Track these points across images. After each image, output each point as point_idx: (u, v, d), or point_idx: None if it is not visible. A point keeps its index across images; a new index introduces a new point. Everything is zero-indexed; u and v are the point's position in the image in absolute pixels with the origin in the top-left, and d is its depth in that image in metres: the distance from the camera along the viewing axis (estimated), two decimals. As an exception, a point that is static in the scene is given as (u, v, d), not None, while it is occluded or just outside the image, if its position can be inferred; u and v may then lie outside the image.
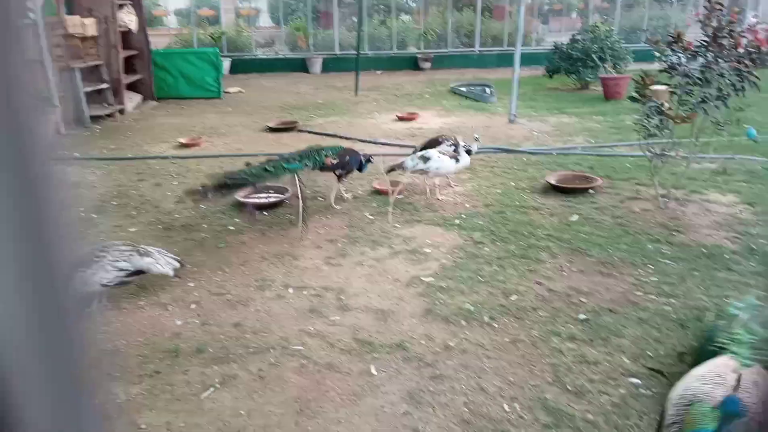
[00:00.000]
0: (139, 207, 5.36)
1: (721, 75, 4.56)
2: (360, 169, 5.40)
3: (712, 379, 2.08)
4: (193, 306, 3.60)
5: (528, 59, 13.81)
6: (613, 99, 9.91)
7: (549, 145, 7.36)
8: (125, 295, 3.67)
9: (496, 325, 3.35)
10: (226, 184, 4.63)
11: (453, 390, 2.79)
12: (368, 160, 5.45)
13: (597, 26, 11.44)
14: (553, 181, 5.63)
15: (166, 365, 3.02)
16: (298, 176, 4.92)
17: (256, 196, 5.33)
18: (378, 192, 5.57)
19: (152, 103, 10.62)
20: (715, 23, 4.38)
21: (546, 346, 3.12)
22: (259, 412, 2.66)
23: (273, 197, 5.35)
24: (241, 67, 14.55)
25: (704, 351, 2.50)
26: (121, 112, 9.55)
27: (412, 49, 15.99)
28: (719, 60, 4.40)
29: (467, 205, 5.28)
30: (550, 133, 8.10)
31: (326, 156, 5.16)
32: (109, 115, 9.23)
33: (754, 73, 4.45)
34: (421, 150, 5.62)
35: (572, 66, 11.10)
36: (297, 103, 10.70)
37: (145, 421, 2.65)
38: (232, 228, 4.85)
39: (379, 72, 14.77)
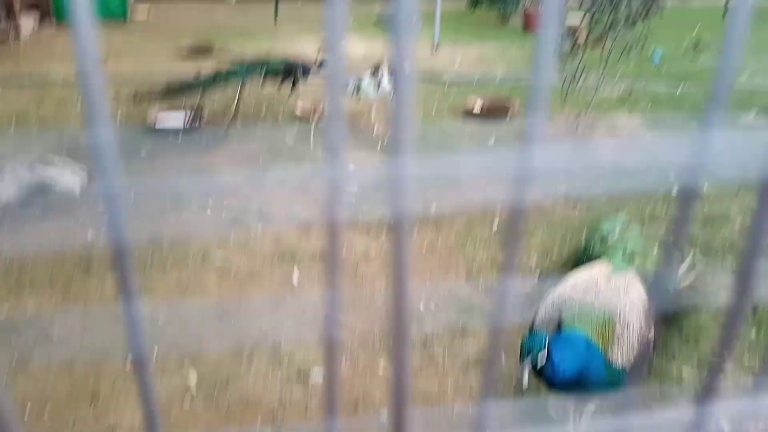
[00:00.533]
0: (42, 130, 5.01)
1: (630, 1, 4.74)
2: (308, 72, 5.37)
3: (584, 284, 2.16)
4: (104, 221, 3.46)
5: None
6: (532, 30, 10.11)
7: (470, 73, 7.45)
8: (31, 215, 3.47)
9: (416, 234, 3.46)
10: (176, 89, 4.83)
11: (372, 292, 2.89)
12: (322, 64, 5.37)
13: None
14: (472, 108, 5.75)
15: (79, 277, 2.93)
16: (242, 84, 5.09)
17: (174, 115, 5.12)
18: (300, 117, 5.48)
19: (51, 23, 9.73)
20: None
21: (461, 252, 3.28)
22: (178, 318, 2.65)
23: (190, 117, 5.14)
24: (150, -10, 13.52)
25: (585, 256, 2.65)
26: (16, 31, 8.71)
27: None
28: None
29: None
30: (471, 62, 8.19)
31: (274, 66, 5.25)
32: (1, 36, 8.40)
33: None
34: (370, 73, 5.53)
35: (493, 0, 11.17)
36: (213, 29, 10.16)
37: (56, 331, 2.58)
38: (147, 146, 4.64)
39: (299, 2, 14.20)
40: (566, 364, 1.86)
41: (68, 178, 3.35)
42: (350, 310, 2.75)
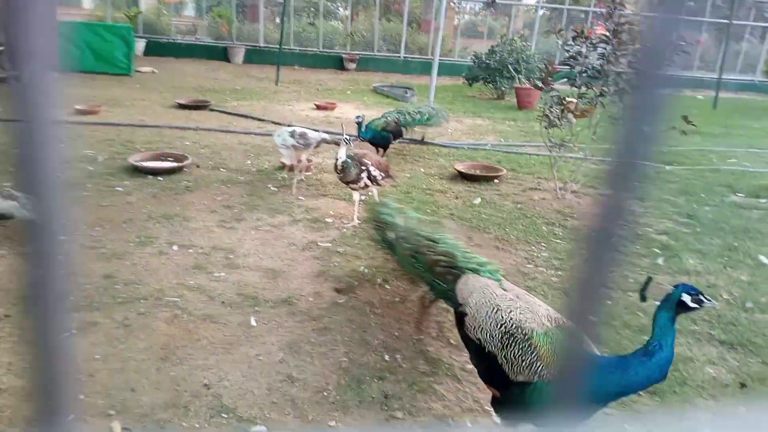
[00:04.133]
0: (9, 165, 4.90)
1: (619, 73, 4.77)
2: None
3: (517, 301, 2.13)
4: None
5: (450, 69, 14.13)
6: (526, 108, 10.28)
7: (461, 141, 7.48)
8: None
9: (388, 287, 3.27)
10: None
11: (335, 341, 2.67)
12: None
13: (514, 40, 11.85)
14: (460, 169, 5.69)
15: (19, 310, 2.70)
16: None
17: (154, 160, 5.04)
18: (283, 167, 5.40)
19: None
20: (616, 19, 4.59)
21: (435, 307, 3.07)
22: (116, 357, 2.42)
23: (169, 163, 5.06)
24: (156, 49, 13.90)
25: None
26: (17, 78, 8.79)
27: (338, 50, 15.93)
28: (617, 54, 4.61)
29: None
30: (464, 131, 8.25)
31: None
32: (1, 80, 8.47)
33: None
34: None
35: (490, 76, 11.44)
36: (213, 87, 10.32)
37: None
38: (119, 189, 4.51)
39: (296, 66, 14.56)
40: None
41: (30, 213, 3.18)
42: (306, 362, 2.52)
